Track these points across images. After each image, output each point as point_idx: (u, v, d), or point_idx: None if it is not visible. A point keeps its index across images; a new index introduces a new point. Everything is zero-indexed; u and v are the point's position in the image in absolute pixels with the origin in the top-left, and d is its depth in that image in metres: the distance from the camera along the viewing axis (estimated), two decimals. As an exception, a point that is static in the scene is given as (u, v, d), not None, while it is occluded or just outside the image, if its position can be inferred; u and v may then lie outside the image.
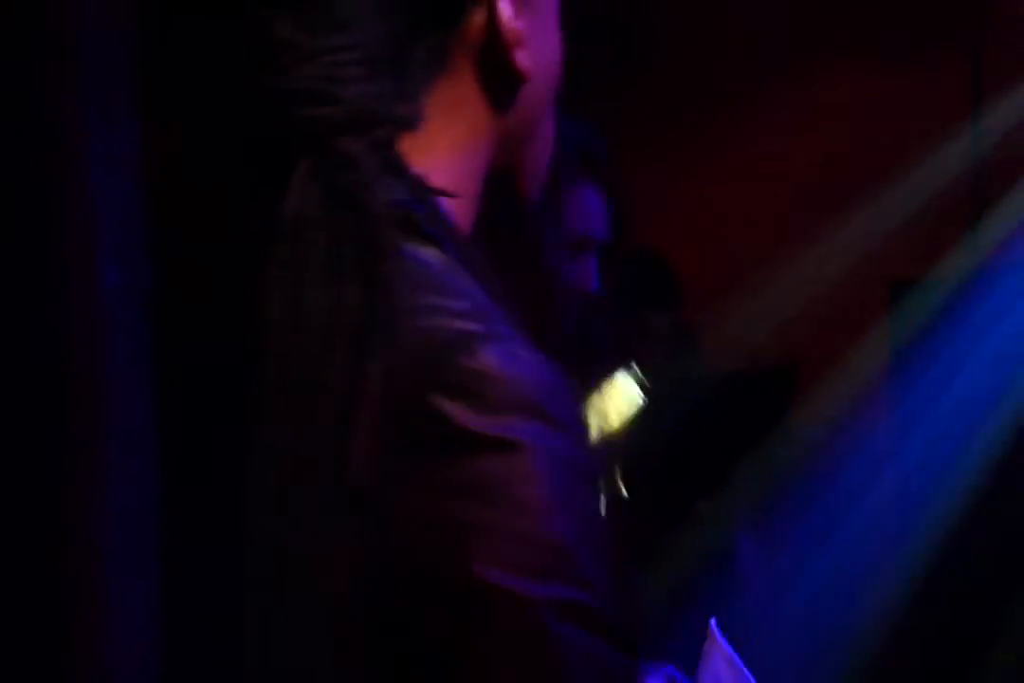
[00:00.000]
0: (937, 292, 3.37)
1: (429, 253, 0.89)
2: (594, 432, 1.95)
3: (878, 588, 3.23)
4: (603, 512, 0.87)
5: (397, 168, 0.89)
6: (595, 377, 2.51)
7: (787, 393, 3.60)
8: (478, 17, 0.90)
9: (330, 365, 0.84)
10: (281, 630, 0.86)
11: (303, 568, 0.85)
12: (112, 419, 1.88)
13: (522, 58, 0.92)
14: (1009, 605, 3.20)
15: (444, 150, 0.93)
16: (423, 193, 0.90)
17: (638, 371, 2.78)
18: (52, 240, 2.19)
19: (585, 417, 0.77)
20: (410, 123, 0.89)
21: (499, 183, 1.02)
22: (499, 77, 0.93)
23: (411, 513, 0.81)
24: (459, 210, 0.94)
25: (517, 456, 0.81)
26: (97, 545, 1.95)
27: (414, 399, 0.81)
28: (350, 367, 0.84)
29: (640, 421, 2.66)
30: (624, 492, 3.00)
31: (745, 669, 1.45)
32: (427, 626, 0.82)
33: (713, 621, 1.53)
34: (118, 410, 1.88)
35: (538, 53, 0.95)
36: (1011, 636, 3.18)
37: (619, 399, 2.77)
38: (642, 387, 2.82)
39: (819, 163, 3.76)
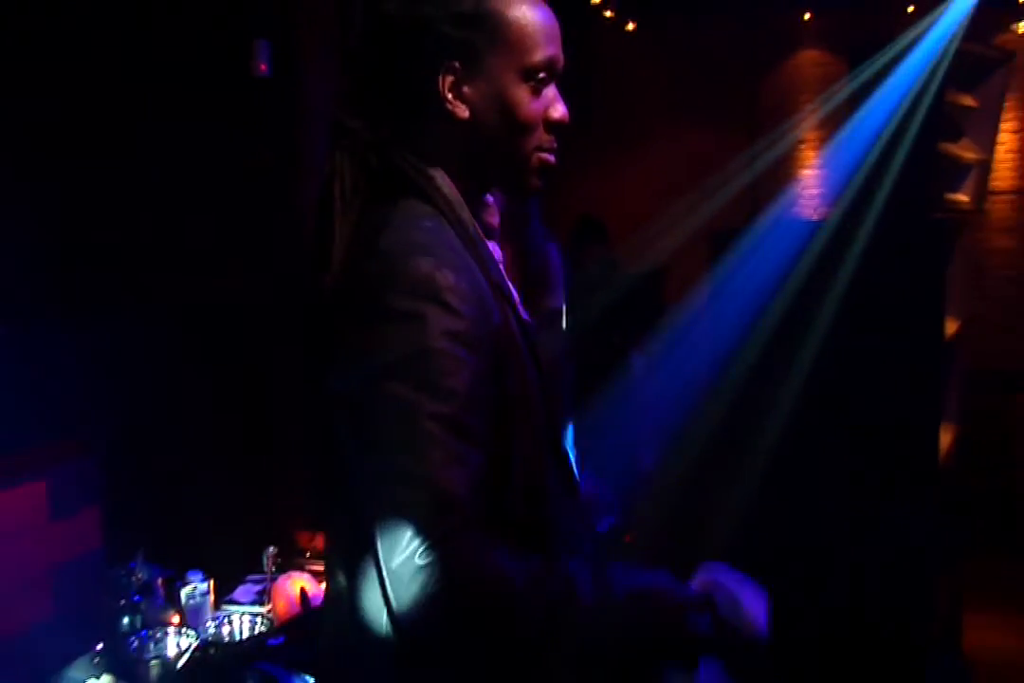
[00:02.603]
0: (737, 238, 3.76)
1: (421, 208, 1.12)
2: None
3: (707, 389, 3.67)
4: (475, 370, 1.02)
5: (402, 159, 1.15)
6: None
7: (659, 286, 4.56)
8: (433, 90, 1.17)
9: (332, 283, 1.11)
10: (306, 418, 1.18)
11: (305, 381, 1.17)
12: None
13: (459, 110, 1.16)
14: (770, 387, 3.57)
15: (438, 161, 1.20)
16: (423, 175, 1.16)
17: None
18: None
19: (485, 312, 1.06)
20: (376, 141, 1.16)
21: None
22: (449, 120, 1.19)
23: (354, 351, 1.05)
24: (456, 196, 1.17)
25: (418, 324, 1.01)
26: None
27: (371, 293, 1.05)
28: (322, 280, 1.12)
29: (587, 298, 3.86)
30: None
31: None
32: (346, 415, 1.05)
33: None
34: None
35: (482, 106, 1.17)
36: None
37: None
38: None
39: (679, 172, 4.87)
